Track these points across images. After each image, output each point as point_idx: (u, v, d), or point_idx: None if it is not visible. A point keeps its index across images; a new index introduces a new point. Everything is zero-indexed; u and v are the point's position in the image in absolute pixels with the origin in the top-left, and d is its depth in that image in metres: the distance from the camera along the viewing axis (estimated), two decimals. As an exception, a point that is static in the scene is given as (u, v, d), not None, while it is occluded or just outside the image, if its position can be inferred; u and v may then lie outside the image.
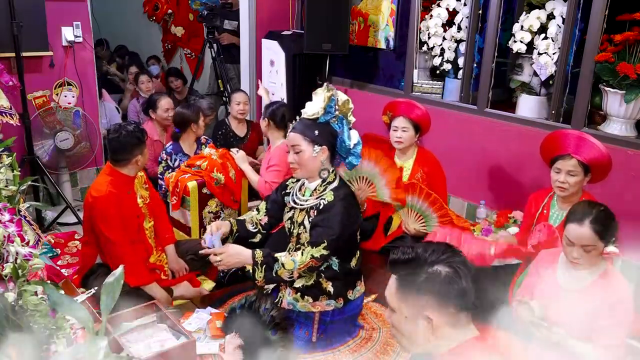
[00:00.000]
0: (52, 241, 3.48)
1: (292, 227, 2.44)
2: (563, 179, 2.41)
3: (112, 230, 2.55)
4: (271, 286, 2.58)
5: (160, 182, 3.57)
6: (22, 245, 1.17)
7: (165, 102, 3.96)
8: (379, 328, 2.66)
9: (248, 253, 2.29)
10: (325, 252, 2.24)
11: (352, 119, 2.41)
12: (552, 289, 2.04)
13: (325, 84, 2.37)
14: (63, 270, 3.07)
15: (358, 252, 2.47)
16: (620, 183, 2.81)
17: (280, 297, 2.46)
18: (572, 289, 1.99)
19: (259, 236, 2.57)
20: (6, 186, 1.53)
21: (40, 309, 1.13)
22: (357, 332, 2.59)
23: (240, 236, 2.54)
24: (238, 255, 2.31)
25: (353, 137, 2.36)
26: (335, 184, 2.37)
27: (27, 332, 1.11)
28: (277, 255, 2.28)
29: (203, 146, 3.64)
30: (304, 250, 2.26)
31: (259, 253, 2.28)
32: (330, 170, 2.39)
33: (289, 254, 2.30)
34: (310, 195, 2.37)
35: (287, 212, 2.50)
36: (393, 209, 3.16)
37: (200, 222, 3.28)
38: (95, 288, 1.63)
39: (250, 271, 3.09)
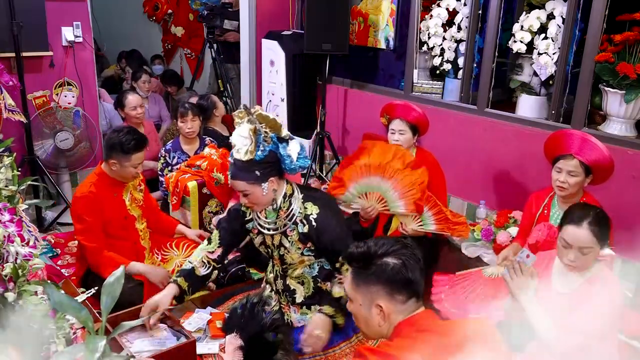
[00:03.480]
0: (52, 241, 3.48)
1: (271, 251, 2.33)
2: (563, 178, 2.41)
3: (83, 233, 2.57)
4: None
5: (160, 178, 3.57)
6: (22, 245, 1.17)
7: (132, 99, 3.90)
8: (379, 328, 2.66)
9: (323, 321, 2.19)
10: None
11: (284, 133, 2.11)
12: (548, 292, 2.03)
13: (241, 106, 2.10)
14: (63, 270, 3.06)
15: None
16: (620, 183, 2.81)
17: (287, 319, 2.37)
18: (565, 292, 1.97)
19: (215, 272, 2.37)
20: (6, 186, 1.53)
21: (40, 309, 1.13)
22: (359, 330, 2.58)
23: (195, 288, 2.33)
24: (318, 327, 2.19)
25: (293, 150, 2.13)
26: (297, 194, 2.22)
27: (27, 332, 1.11)
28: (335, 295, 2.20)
29: (207, 147, 3.62)
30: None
31: (329, 310, 2.20)
32: (285, 186, 2.22)
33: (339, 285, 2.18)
34: (277, 217, 2.23)
35: (255, 237, 2.35)
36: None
37: (201, 222, 3.28)
38: (96, 288, 1.63)
39: (249, 270, 3.09)
